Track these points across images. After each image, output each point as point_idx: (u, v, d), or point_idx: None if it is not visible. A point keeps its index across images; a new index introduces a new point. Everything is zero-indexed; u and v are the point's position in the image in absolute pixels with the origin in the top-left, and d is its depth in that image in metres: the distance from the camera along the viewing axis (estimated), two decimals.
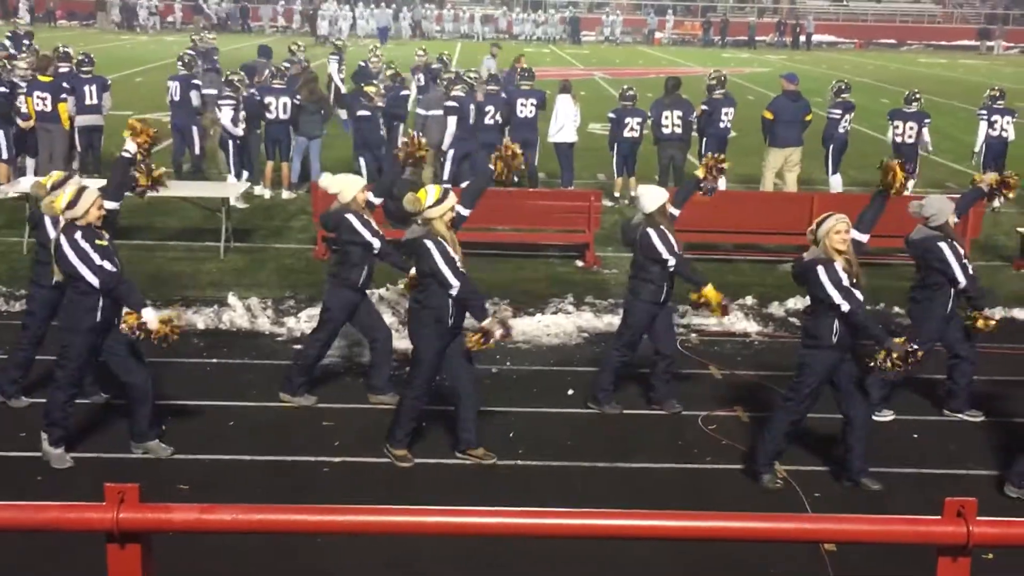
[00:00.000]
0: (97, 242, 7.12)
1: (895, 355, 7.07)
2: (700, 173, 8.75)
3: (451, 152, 15.16)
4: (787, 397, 7.45)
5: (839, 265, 7.07)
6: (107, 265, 7.10)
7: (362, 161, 14.82)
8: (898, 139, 15.99)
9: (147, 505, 3.15)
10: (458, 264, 7.33)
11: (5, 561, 6.09)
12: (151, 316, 7.10)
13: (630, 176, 16.26)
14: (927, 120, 16.07)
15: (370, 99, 14.88)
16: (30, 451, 7.51)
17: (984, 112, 16.41)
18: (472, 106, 15.35)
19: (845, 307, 7.00)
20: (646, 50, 51.39)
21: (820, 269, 7.06)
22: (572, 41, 54.85)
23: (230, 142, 15.24)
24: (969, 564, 3.27)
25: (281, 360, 9.55)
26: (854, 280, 7.10)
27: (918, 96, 16.25)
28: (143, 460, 7.53)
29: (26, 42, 22.51)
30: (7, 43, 22.12)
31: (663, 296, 8.39)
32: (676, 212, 8.53)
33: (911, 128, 15.90)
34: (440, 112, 15.36)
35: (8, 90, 15.03)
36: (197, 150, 16.55)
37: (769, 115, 15.72)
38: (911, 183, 16.23)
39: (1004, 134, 16.20)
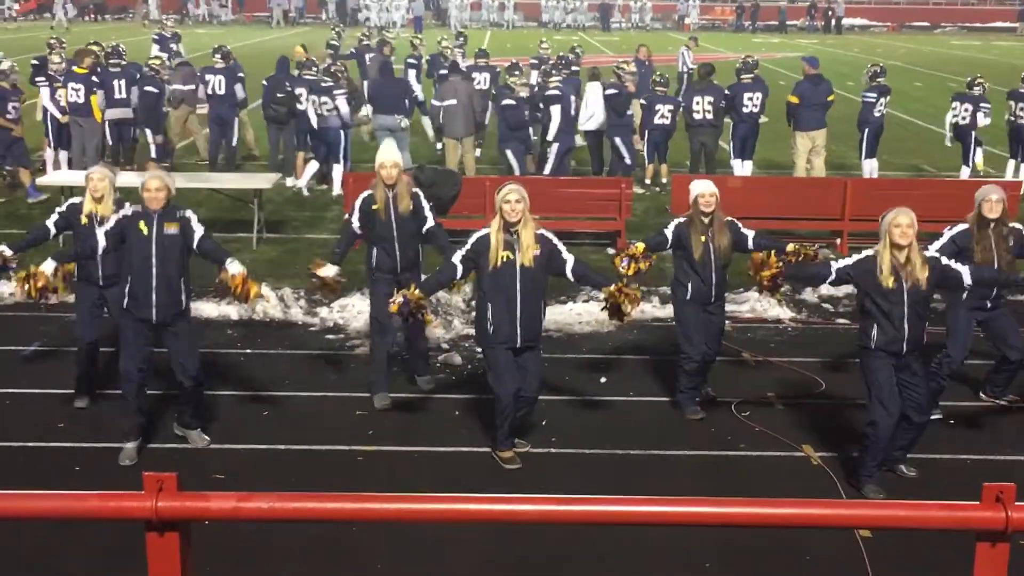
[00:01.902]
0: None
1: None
2: (765, 274, 8.00)
3: (555, 146, 14.84)
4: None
5: (865, 253, 7.01)
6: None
7: (509, 153, 14.72)
8: (961, 122, 15.93)
9: (185, 494, 3.17)
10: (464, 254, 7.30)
11: (46, 550, 6.17)
12: None
13: (661, 163, 16.24)
14: (983, 105, 15.84)
15: (513, 90, 14.77)
16: (68, 442, 7.59)
17: (952, 100, 16.18)
18: (572, 98, 15.11)
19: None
20: (676, 36, 51.10)
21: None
22: (602, 28, 54.62)
23: (342, 132, 15.35)
24: (1008, 550, 3.24)
25: (314, 350, 9.62)
26: (890, 282, 6.82)
27: (978, 81, 16.06)
28: (179, 450, 7.59)
29: (173, 46, 22.69)
30: (155, 46, 22.07)
31: (700, 296, 8.09)
32: (751, 245, 8.10)
33: (966, 111, 15.81)
34: (455, 101, 15.30)
35: (157, 90, 15.22)
36: (234, 142, 16.65)
37: (795, 99, 15.65)
38: (966, 171, 16.00)
39: (963, 122, 15.88)
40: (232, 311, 10.48)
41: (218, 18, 55.88)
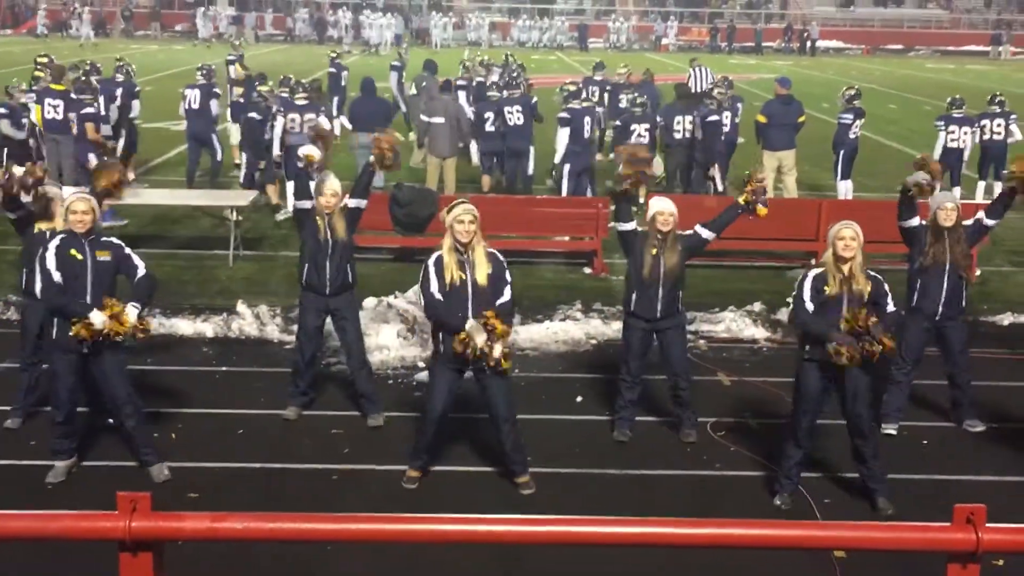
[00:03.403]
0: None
1: (843, 348, 6.82)
2: (741, 200, 8.05)
3: (566, 167, 14.83)
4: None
5: (811, 274, 7.09)
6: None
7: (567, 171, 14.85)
8: (952, 144, 15.93)
9: (159, 514, 3.17)
10: (436, 286, 7.12)
11: (19, 570, 6.11)
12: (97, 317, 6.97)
13: None
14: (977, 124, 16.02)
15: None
16: (41, 460, 7.52)
17: (941, 122, 16.20)
18: (587, 119, 15.08)
19: (792, 316, 7.16)
20: (654, 56, 51.39)
21: (800, 278, 7.19)
22: (580, 48, 54.87)
23: None
24: (979, 571, 3.27)
25: (290, 368, 9.56)
26: (833, 291, 6.92)
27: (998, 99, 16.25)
28: None
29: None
30: (230, 68, 21.38)
31: (643, 311, 7.99)
32: (710, 235, 7.99)
33: (965, 133, 15.86)
34: (442, 120, 15.32)
35: (262, 117, 15.26)
36: (219, 157, 16.64)
37: (763, 119, 15.80)
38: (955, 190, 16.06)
39: (962, 145, 15.97)
40: (208, 329, 10.44)
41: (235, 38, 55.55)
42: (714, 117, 15.43)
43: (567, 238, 13.59)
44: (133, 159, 16.41)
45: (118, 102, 16.17)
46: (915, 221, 8.30)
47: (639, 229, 8.10)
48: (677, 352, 8.15)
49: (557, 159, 14.88)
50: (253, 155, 15.52)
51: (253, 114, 15.46)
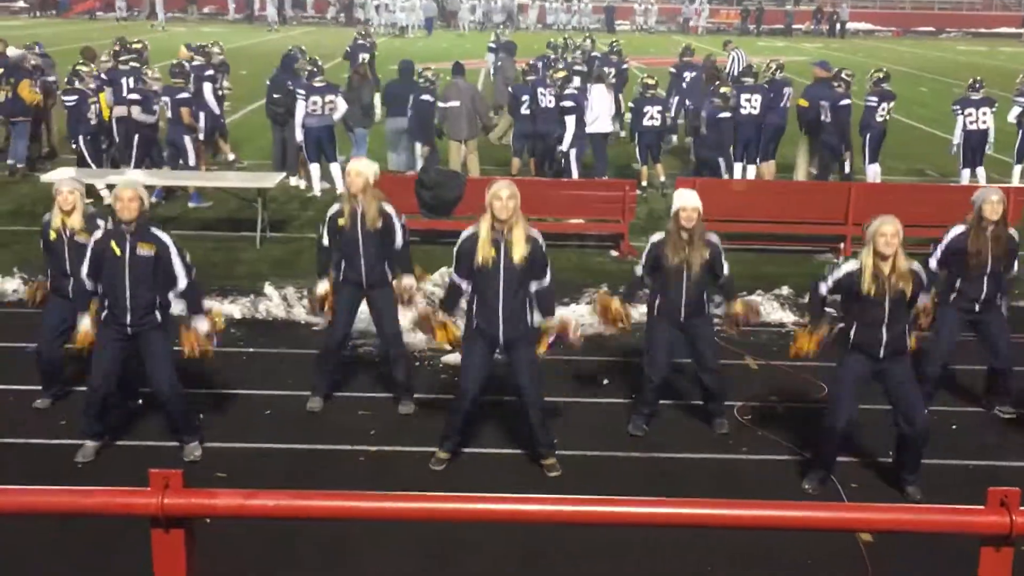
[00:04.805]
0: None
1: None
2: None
3: (572, 152, 14.85)
4: None
5: (846, 267, 7.00)
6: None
7: (722, 162, 14.84)
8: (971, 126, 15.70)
9: (191, 490, 3.19)
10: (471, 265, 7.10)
11: (51, 546, 6.18)
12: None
13: (656, 163, 16.25)
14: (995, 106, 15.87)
15: (726, 100, 14.90)
16: (70, 439, 7.59)
17: (958, 106, 15.90)
18: (585, 103, 15.13)
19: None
20: (682, 39, 51.11)
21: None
22: (607, 30, 54.63)
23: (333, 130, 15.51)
24: (1012, 554, 3.24)
25: (317, 349, 9.60)
26: (873, 290, 6.80)
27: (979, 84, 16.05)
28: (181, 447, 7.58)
29: (364, 56, 21.81)
30: (363, 55, 20.99)
31: (666, 310, 7.89)
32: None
33: (984, 113, 15.65)
34: (457, 103, 15.28)
35: (432, 99, 15.42)
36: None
37: (804, 103, 15.61)
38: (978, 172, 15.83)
39: (983, 126, 15.72)
40: (235, 310, 10.50)
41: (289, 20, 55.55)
42: (845, 101, 15.14)
43: (582, 220, 13.48)
44: (216, 142, 16.70)
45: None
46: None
47: (656, 238, 7.96)
48: (705, 346, 8.02)
49: (565, 146, 14.84)
50: (423, 141, 15.63)
51: (425, 96, 15.45)
